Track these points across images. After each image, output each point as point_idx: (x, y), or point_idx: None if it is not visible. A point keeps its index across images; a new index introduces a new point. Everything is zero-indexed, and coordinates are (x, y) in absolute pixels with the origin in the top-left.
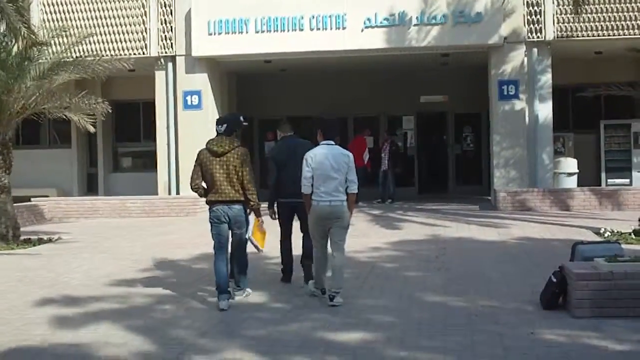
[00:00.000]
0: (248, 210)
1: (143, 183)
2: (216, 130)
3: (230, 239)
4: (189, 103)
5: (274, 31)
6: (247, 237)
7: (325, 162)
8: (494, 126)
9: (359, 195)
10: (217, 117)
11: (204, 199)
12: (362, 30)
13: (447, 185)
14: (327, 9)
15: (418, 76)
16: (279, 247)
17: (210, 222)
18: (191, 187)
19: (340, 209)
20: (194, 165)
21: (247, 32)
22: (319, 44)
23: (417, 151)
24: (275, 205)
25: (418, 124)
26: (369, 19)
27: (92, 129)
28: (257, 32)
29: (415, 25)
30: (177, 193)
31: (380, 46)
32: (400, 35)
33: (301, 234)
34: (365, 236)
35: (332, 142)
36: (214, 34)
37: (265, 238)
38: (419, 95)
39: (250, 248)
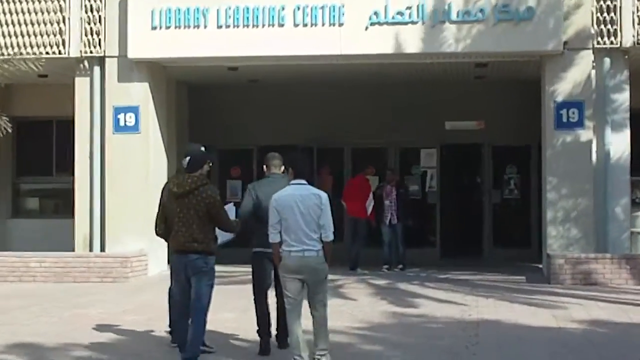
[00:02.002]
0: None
1: (54, 234)
2: (182, 164)
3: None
4: (123, 123)
5: (243, 26)
6: None
7: (291, 204)
8: (548, 165)
9: (360, 258)
10: (160, 142)
11: (139, 258)
12: (366, 29)
13: (482, 247)
14: None
15: (443, 94)
16: (254, 306)
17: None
18: (156, 233)
19: (315, 260)
20: (159, 205)
21: (205, 27)
22: (306, 46)
23: (439, 198)
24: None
25: (442, 160)
26: (376, 13)
27: None
28: (219, 27)
29: (440, 22)
30: (102, 249)
31: (391, 51)
32: (419, 37)
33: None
34: (365, 316)
35: (303, 182)
36: (160, 28)
37: None
38: (444, 120)
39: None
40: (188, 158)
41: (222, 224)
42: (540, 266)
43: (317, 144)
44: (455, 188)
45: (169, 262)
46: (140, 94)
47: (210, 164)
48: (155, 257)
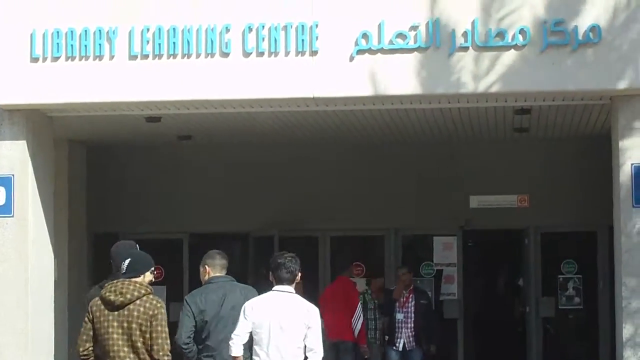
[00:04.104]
0: None
1: None
2: (116, 267)
3: None
4: None
5: (169, 56)
6: None
7: (271, 320)
8: (624, 260)
9: None
10: (45, 230)
11: None
12: (350, 59)
13: None
14: (280, 14)
15: (467, 156)
16: None
17: None
18: (78, 354)
19: None
20: (84, 322)
21: (111, 57)
22: (261, 85)
23: (462, 310)
24: None
25: (466, 254)
26: (365, 36)
27: None
28: (132, 57)
29: (461, 49)
30: None
31: (389, 92)
32: (430, 70)
33: None
34: None
35: (289, 289)
36: (44, 58)
37: None
38: (468, 194)
39: None
40: (129, 260)
41: (159, 348)
42: None
43: (280, 231)
44: (486, 295)
45: None
46: (14, 158)
47: (154, 272)
48: None
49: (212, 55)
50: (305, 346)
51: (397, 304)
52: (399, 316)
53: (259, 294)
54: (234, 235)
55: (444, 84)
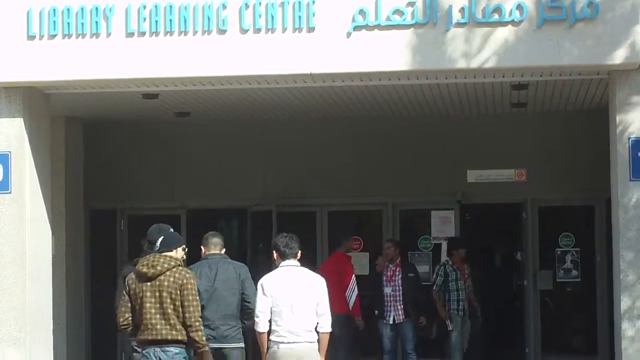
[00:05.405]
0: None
1: None
2: (149, 246)
3: None
4: None
5: (165, 34)
6: None
7: (287, 290)
8: (621, 233)
9: None
10: (42, 207)
11: None
12: (348, 35)
13: (525, 354)
14: None
15: (464, 130)
16: None
17: None
18: (119, 324)
19: (309, 352)
20: (122, 295)
21: (108, 35)
22: (258, 62)
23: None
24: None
25: (464, 228)
26: (362, 12)
27: None
28: (129, 34)
29: (458, 25)
30: None
31: (386, 68)
32: (427, 46)
33: None
34: None
35: (295, 263)
36: (41, 36)
37: None
38: (466, 168)
39: None
40: (161, 237)
41: (189, 314)
42: None
43: (277, 206)
44: (484, 268)
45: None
46: (11, 135)
47: (185, 250)
48: None
49: (209, 32)
50: (316, 312)
51: (384, 278)
52: (388, 290)
53: (252, 269)
54: (232, 210)
55: (441, 60)
